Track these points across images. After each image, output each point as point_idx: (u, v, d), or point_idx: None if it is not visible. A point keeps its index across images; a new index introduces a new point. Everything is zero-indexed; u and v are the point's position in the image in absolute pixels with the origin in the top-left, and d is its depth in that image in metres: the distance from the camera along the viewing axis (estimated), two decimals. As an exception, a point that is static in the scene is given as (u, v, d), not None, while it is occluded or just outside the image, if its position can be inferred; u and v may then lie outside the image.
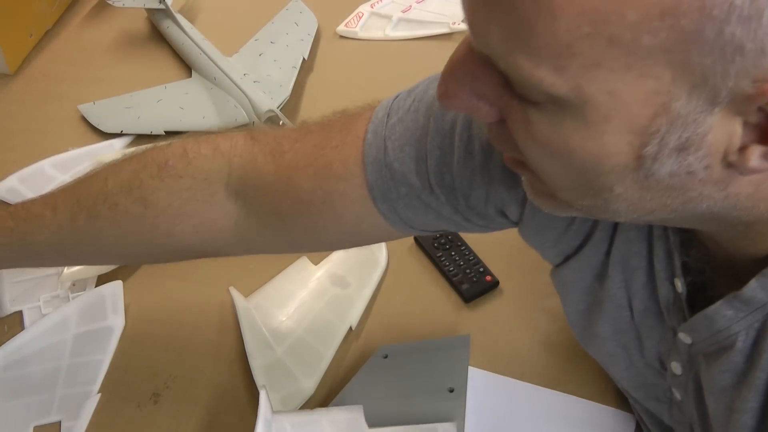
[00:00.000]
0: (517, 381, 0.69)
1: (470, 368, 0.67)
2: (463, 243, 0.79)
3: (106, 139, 0.94)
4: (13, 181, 0.88)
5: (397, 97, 0.54)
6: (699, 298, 0.44)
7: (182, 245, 0.58)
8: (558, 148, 0.34)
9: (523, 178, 0.42)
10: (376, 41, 1.09)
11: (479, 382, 0.67)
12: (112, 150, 0.92)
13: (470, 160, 0.50)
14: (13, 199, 0.86)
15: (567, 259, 0.52)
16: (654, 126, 0.31)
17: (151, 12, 1.11)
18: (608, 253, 0.49)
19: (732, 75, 0.29)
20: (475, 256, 0.78)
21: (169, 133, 0.93)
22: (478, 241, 0.79)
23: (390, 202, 0.53)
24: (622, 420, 0.65)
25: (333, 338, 0.72)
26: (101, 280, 0.78)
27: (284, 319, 0.74)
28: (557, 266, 0.54)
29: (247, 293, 0.76)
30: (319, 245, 0.67)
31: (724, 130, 0.31)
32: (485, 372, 0.69)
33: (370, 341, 0.72)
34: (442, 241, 0.80)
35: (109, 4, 1.09)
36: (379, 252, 0.80)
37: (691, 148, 0.32)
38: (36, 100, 1.01)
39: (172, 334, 0.74)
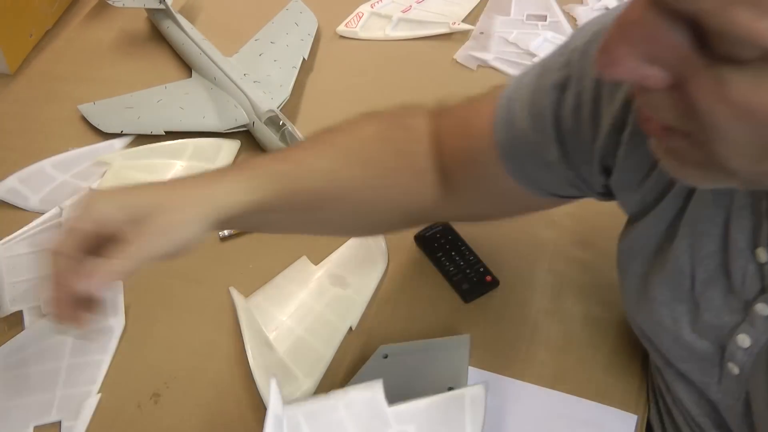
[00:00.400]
0: (517, 381, 0.69)
1: (470, 368, 0.67)
2: (463, 243, 0.79)
3: (106, 139, 0.94)
4: (13, 181, 0.88)
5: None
6: None
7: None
8: (758, 108, 0.32)
9: (662, 153, 0.40)
10: (376, 41, 1.09)
11: (479, 382, 0.67)
12: (112, 150, 0.92)
13: (580, 113, 0.52)
14: (13, 199, 0.86)
15: (644, 212, 0.52)
16: None
17: (151, 12, 1.11)
18: (681, 215, 0.49)
19: None
20: (475, 256, 0.78)
21: (169, 133, 0.93)
22: (478, 241, 0.79)
23: (516, 160, 0.57)
24: (622, 420, 0.65)
25: (333, 338, 0.72)
26: (101, 280, 0.78)
27: (284, 319, 0.74)
28: (630, 225, 0.55)
29: (247, 293, 0.76)
30: (483, 211, 0.69)
31: None
32: (485, 372, 0.69)
33: (370, 341, 0.72)
34: (442, 241, 0.80)
35: (109, 4, 1.09)
36: (379, 252, 0.80)
37: None
38: (36, 100, 1.01)
39: (172, 334, 0.74)
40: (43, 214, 0.84)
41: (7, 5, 1.01)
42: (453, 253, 0.78)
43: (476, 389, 0.59)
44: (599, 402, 0.67)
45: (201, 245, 0.79)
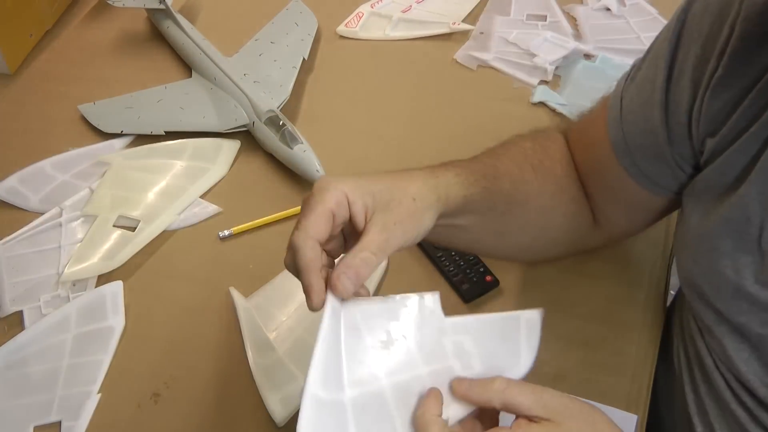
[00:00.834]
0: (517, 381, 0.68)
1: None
2: (463, 243, 0.80)
3: (106, 139, 0.94)
4: (13, 181, 0.88)
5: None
6: None
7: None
8: None
9: None
10: (376, 41, 1.09)
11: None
12: (112, 150, 0.92)
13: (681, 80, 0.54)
14: (13, 199, 0.86)
15: (720, 151, 0.52)
16: None
17: (151, 12, 1.11)
18: (757, 157, 0.49)
19: None
20: (475, 256, 0.78)
21: (169, 133, 0.93)
22: (478, 241, 0.79)
23: (631, 158, 0.59)
24: (622, 420, 0.65)
25: (333, 338, 0.72)
26: (101, 280, 0.78)
27: (284, 319, 0.74)
28: (703, 168, 0.55)
29: (247, 293, 0.76)
30: (621, 228, 0.70)
31: None
32: (485, 372, 0.69)
33: (370, 341, 0.72)
34: (442, 241, 0.80)
35: (109, 4, 1.09)
36: (379, 252, 0.80)
37: None
38: (36, 100, 1.01)
39: (172, 334, 0.74)
40: (43, 214, 0.84)
41: (7, 5, 1.01)
42: (453, 253, 0.78)
43: (532, 312, 0.55)
44: (599, 402, 0.66)
45: (201, 245, 0.78)
